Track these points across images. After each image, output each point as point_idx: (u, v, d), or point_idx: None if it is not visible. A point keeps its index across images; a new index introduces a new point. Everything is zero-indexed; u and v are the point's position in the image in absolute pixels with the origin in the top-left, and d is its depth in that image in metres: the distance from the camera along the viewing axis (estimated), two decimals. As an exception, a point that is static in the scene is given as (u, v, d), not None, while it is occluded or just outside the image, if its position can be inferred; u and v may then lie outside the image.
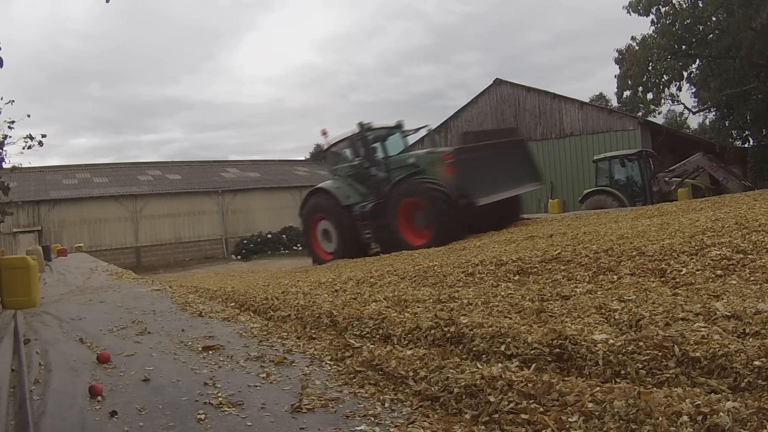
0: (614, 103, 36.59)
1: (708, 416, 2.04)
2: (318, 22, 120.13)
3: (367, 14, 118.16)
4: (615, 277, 5.33)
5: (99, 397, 3.14)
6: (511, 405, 2.48)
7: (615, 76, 27.40)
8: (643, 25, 73.12)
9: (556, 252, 6.67)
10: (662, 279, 5.04)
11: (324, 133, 15.16)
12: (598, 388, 2.45)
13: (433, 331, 3.85)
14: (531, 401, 2.47)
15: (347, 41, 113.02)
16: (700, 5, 24.29)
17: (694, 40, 25.24)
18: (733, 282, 4.50)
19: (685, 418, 2.06)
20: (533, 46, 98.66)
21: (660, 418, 2.08)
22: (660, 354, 2.81)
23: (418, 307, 4.79)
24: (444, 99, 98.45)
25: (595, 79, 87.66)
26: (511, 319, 3.99)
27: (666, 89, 27.56)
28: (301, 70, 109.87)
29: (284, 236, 32.26)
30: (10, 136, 9.45)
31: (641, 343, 2.92)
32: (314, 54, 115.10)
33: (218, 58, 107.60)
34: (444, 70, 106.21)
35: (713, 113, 31.45)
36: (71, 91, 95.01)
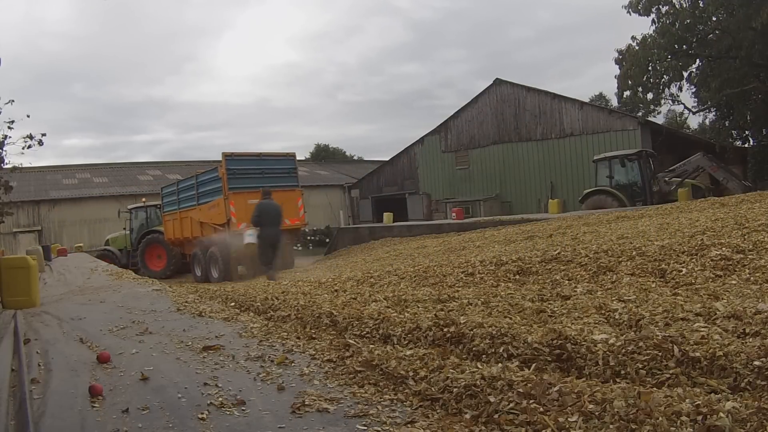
0: (614, 103, 36.59)
1: (708, 416, 2.04)
2: (295, 20, 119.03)
3: (343, 12, 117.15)
4: (615, 277, 5.34)
5: (99, 397, 3.14)
6: (511, 405, 2.48)
7: (615, 77, 27.38)
8: (643, 25, 73.06)
9: (556, 252, 6.68)
10: (662, 279, 5.05)
11: None
12: (598, 388, 2.45)
13: (432, 331, 3.85)
14: (531, 401, 2.47)
15: (327, 40, 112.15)
16: (700, 5, 24.29)
17: (694, 40, 25.22)
18: (733, 282, 4.51)
19: (685, 418, 2.06)
20: (518, 42, 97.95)
21: (660, 418, 2.07)
22: (660, 354, 2.81)
23: (418, 307, 4.79)
24: (432, 98, 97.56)
25: (586, 76, 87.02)
26: (511, 319, 3.99)
27: (666, 89, 27.58)
28: (284, 69, 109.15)
29: (284, 236, 32.22)
30: (10, 137, 9.50)
31: (641, 343, 2.92)
32: (296, 53, 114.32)
33: (199, 58, 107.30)
34: (428, 68, 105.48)
35: (713, 113, 31.40)
36: (56, 93, 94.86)
